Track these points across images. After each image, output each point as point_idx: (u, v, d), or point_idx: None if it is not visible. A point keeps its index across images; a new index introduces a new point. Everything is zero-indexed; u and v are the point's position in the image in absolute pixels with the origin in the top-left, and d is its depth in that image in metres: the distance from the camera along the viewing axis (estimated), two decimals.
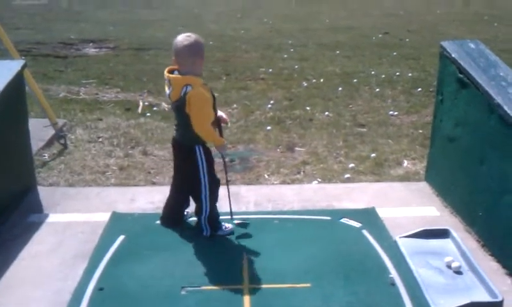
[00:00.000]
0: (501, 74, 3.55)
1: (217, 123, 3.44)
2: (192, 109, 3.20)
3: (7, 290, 2.97)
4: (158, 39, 11.92)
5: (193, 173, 3.39)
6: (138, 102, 7.16)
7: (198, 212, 3.51)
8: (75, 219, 3.78)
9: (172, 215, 3.64)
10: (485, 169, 3.44)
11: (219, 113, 3.50)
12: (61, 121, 5.90)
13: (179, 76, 3.26)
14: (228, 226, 3.57)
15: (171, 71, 3.30)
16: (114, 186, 4.51)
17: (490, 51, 3.92)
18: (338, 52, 10.54)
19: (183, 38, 3.25)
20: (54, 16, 15.63)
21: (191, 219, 3.69)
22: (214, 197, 3.49)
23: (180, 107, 3.25)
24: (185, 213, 3.72)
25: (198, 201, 3.48)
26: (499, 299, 2.81)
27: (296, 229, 3.64)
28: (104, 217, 3.75)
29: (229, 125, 3.81)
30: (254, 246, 3.41)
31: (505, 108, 3.17)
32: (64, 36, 12.23)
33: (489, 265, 3.23)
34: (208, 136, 3.31)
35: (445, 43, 4.00)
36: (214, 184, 3.48)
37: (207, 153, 3.39)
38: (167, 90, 3.32)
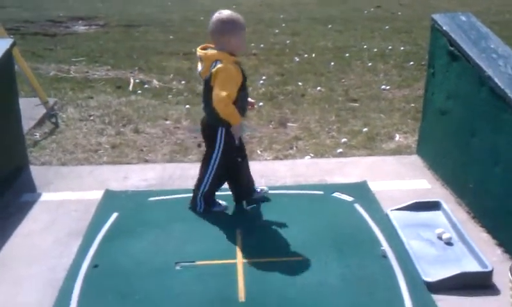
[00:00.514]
0: (492, 46, 3.55)
1: (242, 106, 3.34)
2: (215, 82, 3.17)
3: (1, 268, 2.99)
4: (148, 16, 11.81)
5: (211, 151, 3.40)
6: (129, 79, 7.11)
7: (196, 187, 3.51)
8: (69, 197, 3.78)
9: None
10: (476, 142, 3.46)
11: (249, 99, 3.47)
12: (51, 100, 5.86)
13: (210, 51, 3.22)
14: (223, 203, 3.58)
15: (205, 48, 3.25)
16: (107, 164, 4.51)
17: (481, 23, 3.91)
18: (330, 26, 10.49)
19: (216, 15, 3.22)
20: None
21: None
22: (218, 180, 3.46)
23: (207, 83, 3.22)
24: (259, 190, 3.70)
25: (201, 176, 3.48)
26: (489, 269, 2.85)
27: (289, 204, 3.66)
28: (97, 195, 3.76)
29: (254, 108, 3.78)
30: (247, 221, 3.44)
31: (496, 80, 3.17)
32: (52, 14, 12.08)
33: (479, 236, 3.27)
34: (225, 111, 3.20)
35: (436, 16, 3.99)
36: (227, 167, 3.44)
37: (229, 135, 3.33)
38: (199, 67, 3.29)
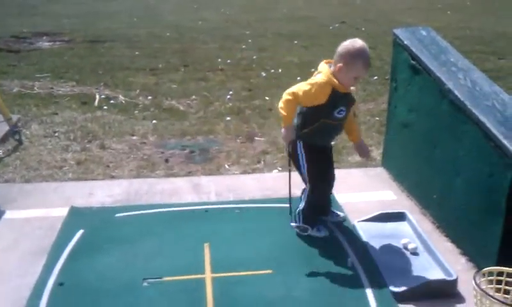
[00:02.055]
0: (451, 60, 3.65)
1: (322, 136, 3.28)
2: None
3: None
4: (113, 32, 11.72)
5: (296, 166, 3.37)
6: (94, 95, 7.04)
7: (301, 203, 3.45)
8: (33, 214, 3.71)
9: None
10: (438, 153, 3.54)
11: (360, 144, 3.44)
12: (15, 117, 5.74)
13: (322, 65, 3.18)
14: (324, 231, 3.46)
15: (328, 63, 3.20)
16: (72, 181, 4.44)
17: (441, 38, 4.02)
18: (296, 42, 10.60)
19: (351, 41, 3.12)
20: (5, 10, 15.16)
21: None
22: (318, 192, 3.38)
23: None
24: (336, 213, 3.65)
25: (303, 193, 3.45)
26: (454, 278, 2.91)
27: (257, 218, 3.67)
28: (62, 212, 3.70)
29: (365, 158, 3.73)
30: (215, 236, 3.42)
31: (456, 92, 3.26)
32: (16, 30, 11.87)
33: (444, 246, 3.34)
34: (282, 108, 3.15)
35: (397, 31, 4.08)
36: (320, 180, 3.37)
37: (308, 148, 3.28)
38: None
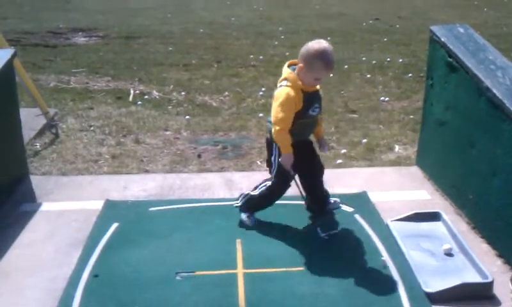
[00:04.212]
0: (490, 57, 3.58)
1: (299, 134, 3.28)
2: (273, 104, 3.19)
3: (2, 278, 2.99)
4: (147, 28, 11.86)
5: (269, 165, 3.43)
6: (129, 90, 7.13)
7: (253, 188, 3.53)
8: (69, 207, 3.79)
9: None
10: (475, 152, 3.47)
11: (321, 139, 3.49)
12: (52, 111, 5.87)
13: (285, 69, 3.21)
14: (253, 221, 3.52)
15: (292, 64, 3.23)
16: (107, 174, 4.51)
17: (479, 35, 3.94)
18: (329, 38, 10.51)
19: (314, 42, 3.14)
20: (42, 5, 15.46)
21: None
22: (277, 192, 3.46)
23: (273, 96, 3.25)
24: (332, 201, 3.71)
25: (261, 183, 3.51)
26: (489, 280, 2.85)
27: (289, 215, 3.66)
28: (97, 205, 3.76)
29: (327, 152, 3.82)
30: (247, 231, 3.44)
31: (494, 90, 3.20)
32: (53, 26, 12.12)
33: (479, 247, 3.27)
34: (276, 137, 3.19)
35: (434, 28, 4.02)
36: (284, 182, 3.40)
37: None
38: None
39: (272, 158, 3.37)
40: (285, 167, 3.26)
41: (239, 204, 3.55)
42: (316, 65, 3.10)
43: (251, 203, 3.53)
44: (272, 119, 3.20)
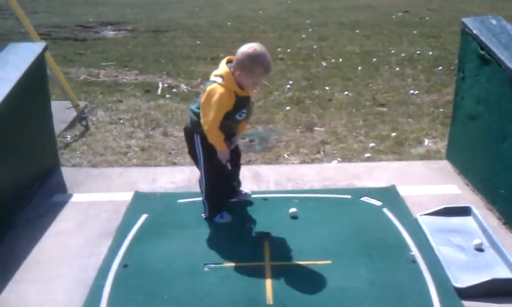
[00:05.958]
0: None
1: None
2: (204, 99, 3.15)
3: (34, 267, 3.05)
4: (175, 21, 11.93)
5: (194, 156, 3.43)
6: (157, 83, 7.19)
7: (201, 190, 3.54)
8: (99, 198, 3.84)
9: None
10: (507, 146, 3.41)
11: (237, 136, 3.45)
12: (82, 103, 5.96)
13: (223, 66, 3.18)
14: (227, 216, 3.51)
15: (230, 61, 3.21)
16: (136, 166, 4.57)
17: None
18: (357, 31, 10.44)
19: (249, 46, 3.12)
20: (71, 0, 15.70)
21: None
22: (214, 184, 3.42)
23: (202, 90, 3.24)
24: (243, 192, 3.73)
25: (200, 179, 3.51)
26: None
27: (316, 208, 3.65)
28: (127, 196, 3.81)
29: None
30: (275, 224, 3.43)
31: None
32: (82, 19, 12.29)
33: (511, 242, 3.21)
34: (208, 135, 3.20)
35: (466, 20, 3.95)
36: (216, 176, 3.40)
37: (206, 145, 3.28)
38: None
39: (196, 149, 3.35)
40: (223, 163, 3.31)
41: (206, 215, 3.51)
42: (258, 71, 3.09)
43: (212, 206, 3.49)
44: (202, 118, 3.16)
